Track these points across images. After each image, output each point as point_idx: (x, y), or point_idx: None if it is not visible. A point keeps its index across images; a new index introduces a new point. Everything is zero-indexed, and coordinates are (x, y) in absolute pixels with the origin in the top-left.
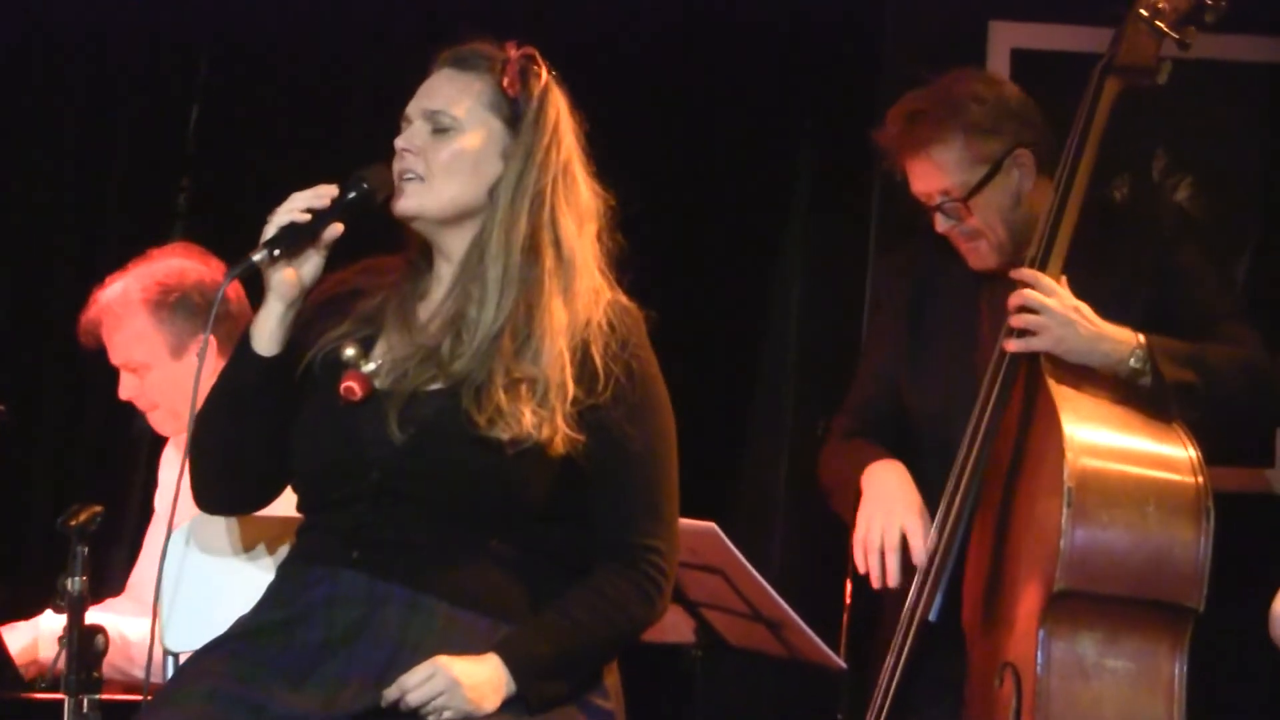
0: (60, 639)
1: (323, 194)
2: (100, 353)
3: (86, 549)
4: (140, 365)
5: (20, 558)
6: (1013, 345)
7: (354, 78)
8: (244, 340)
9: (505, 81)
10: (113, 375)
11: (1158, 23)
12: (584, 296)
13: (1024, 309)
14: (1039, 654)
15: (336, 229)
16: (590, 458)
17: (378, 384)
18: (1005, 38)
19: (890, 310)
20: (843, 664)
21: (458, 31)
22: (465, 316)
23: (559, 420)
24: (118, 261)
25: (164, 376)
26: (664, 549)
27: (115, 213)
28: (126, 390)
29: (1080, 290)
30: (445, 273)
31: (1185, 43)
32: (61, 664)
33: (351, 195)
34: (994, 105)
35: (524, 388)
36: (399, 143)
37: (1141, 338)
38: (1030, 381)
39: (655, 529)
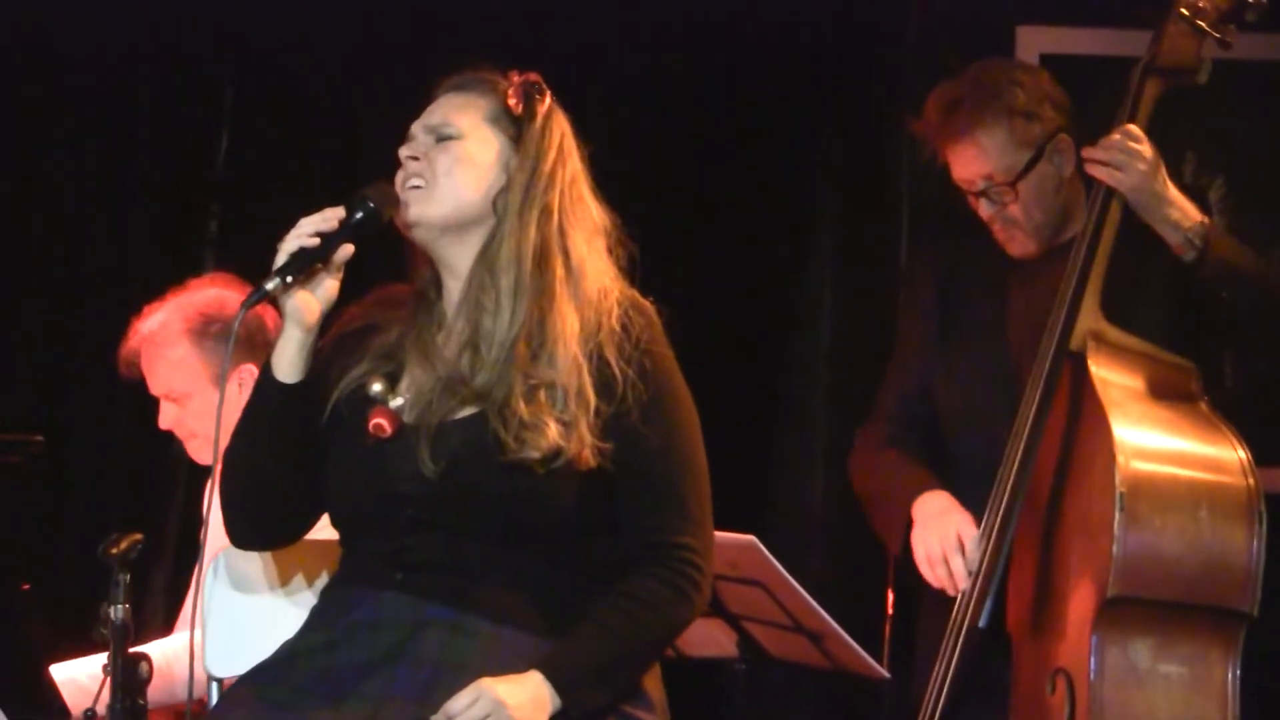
0: (104, 667)
1: (329, 216)
2: (133, 383)
3: (128, 577)
4: (182, 395)
5: (57, 588)
6: (1099, 172)
7: (380, 102)
8: (265, 369)
9: (510, 99)
10: (146, 404)
11: (1199, 22)
12: (595, 303)
13: (1118, 148)
14: (1092, 660)
15: (347, 250)
16: (615, 462)
17: (406, 418)
18: (1033, 42)
19: (918, 310)
20: (885, 674)
21: (485, 52)
22: (480, 329)
23: (584, 430)
24: (149, 290)
25: (205, 405)
26: (694, 544)
27: (145, 241)
28: (166, 420)
29: (1124, 279)
30: (454, 292)
31: (1226, 42)
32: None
33: (358, 215)
34: (1035, 89)
35: (543, 394)
36: (403, 152)
37: (1203, 219)
38: (1075, 382)
39: (682, 525)
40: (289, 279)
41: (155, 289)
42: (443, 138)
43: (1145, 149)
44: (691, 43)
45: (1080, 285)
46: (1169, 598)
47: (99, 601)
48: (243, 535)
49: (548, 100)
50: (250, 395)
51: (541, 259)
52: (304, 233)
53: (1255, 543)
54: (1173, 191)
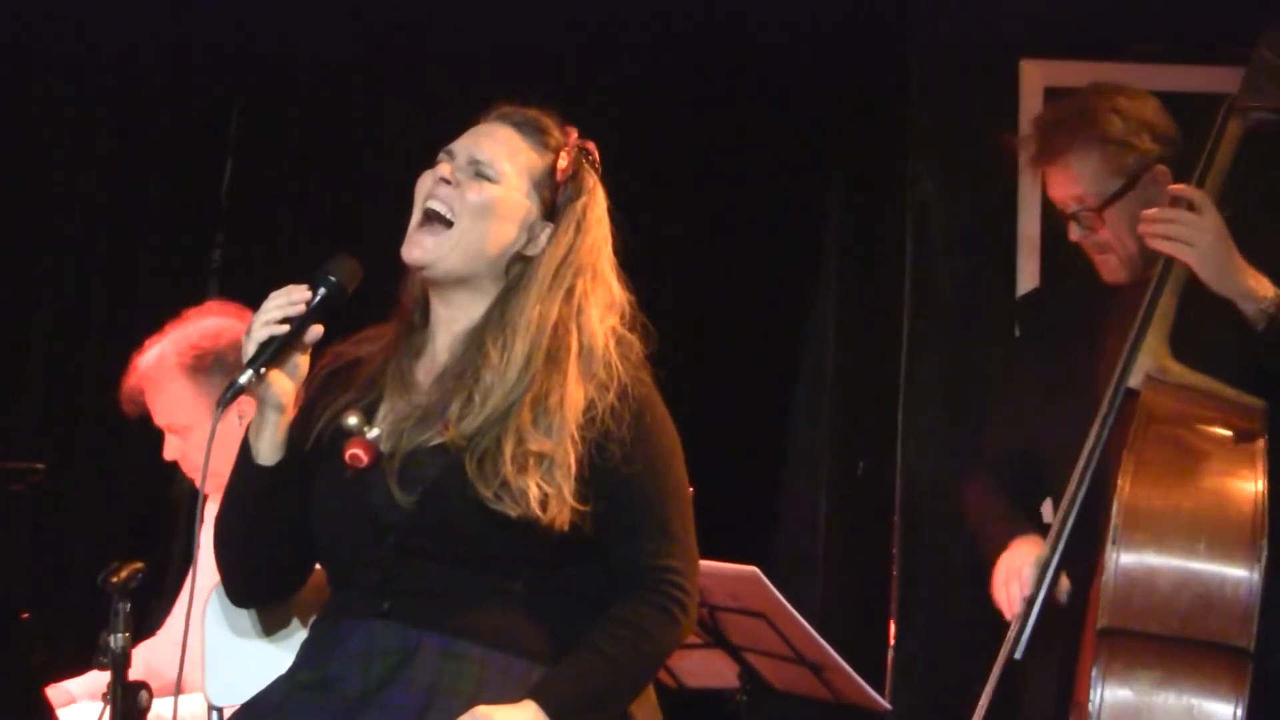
0: (104, 695)
1: (296, 299)
2: (137, 414)
3: (128, 605)
4: (183, 428)
5: (60, 616)
6: (1159, 245)
7: (386, 131)
8: (245, 452)
9: (561, 164)
10: (150, 433)
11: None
12: (601, 380)
13: (1179, 220)
14: (1092, 693)
15: (316, 331)
16: (598, 496)
17: (383, 447)
18: (1037, 75)
19: (1024, 356)
20: (887, 705)
21: (490, 85)
22: (480, 381)
23: (565, 496)
24: (153, 318)
25: (206, 438)
26: (679, 566)
27: (150, 270)
28: (171, 451)
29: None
30: (448, 329)
31: None
32: None
33: (323, 292)
34: (1133, 119)
35: (532, 462)
36: (441, 171)
37: (1277, 291)
38: (1132, 419)
39: (667, 548)
40: (262, 370)
41: (160, 318)
42: (481, 174)
43: (1208, 219)
44: (691, 86)
45: (1145, 323)
46: (1162, 631)
47: (101, 630)
48: (242, 599)
49: (595, 177)
50: (232, 476)
51: (558, 333)
52: (272, 319)
53: (1254, 578)
54: (1241, 261)
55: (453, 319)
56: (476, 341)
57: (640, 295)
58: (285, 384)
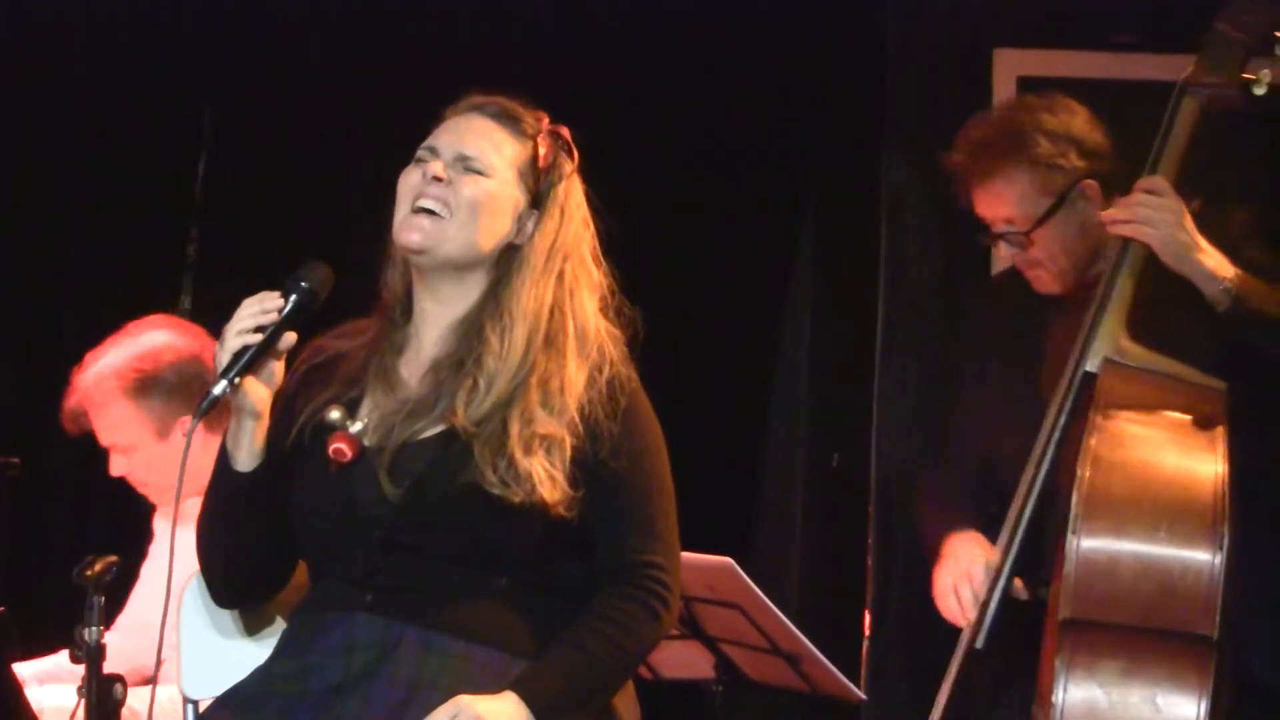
0: (79, 689)
1: (269, 307)
2: (80, 431)
3: (103, 599)
4: (127, 448)
5: (36, 609)
6: (1123, 229)
7: (361, 125)
8: (223, 458)
9: (541, 152)
10: None
11: (1241, 34)
12: (596, 363)
13: (1140, 204)
14: (1056, 685)
15: (290, 338)
16: (586, 488)
17: (367, 442)
18: (1011, 65)
19: (972, 352)
20: (862, 696)
21: (463, 81)
22: (484, 367)
23: (562, 483)
24: (127, 312)
25: (151, 456)
26: (662, 563)
27: (124, 264)
28: (117, 469)
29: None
30: (435, 322)
31: (1276, 54)
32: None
33: (295, 300)
34: (1060, 136)
35: (538, 444)
36: (432, 170)
37: (1236, 271)
38: (1089, 405)
39: (651, 544)
40: (237, 380)
41: (134, 311)
42: (471, 170)
43: (1168, 200)
44: (666, 75)
45: (1102, 306)
46: (1124, 621)
47: (76, 624)
48: (226, 602)
49: (572, 163)
50: (212, 482)
51: (554, 317)
52: (245, 328)
53: (1215, 565)
54: (1202, 240)
55: (441, 312)
56: (474, 330)
57: (615, 287)
58: (261, 391)
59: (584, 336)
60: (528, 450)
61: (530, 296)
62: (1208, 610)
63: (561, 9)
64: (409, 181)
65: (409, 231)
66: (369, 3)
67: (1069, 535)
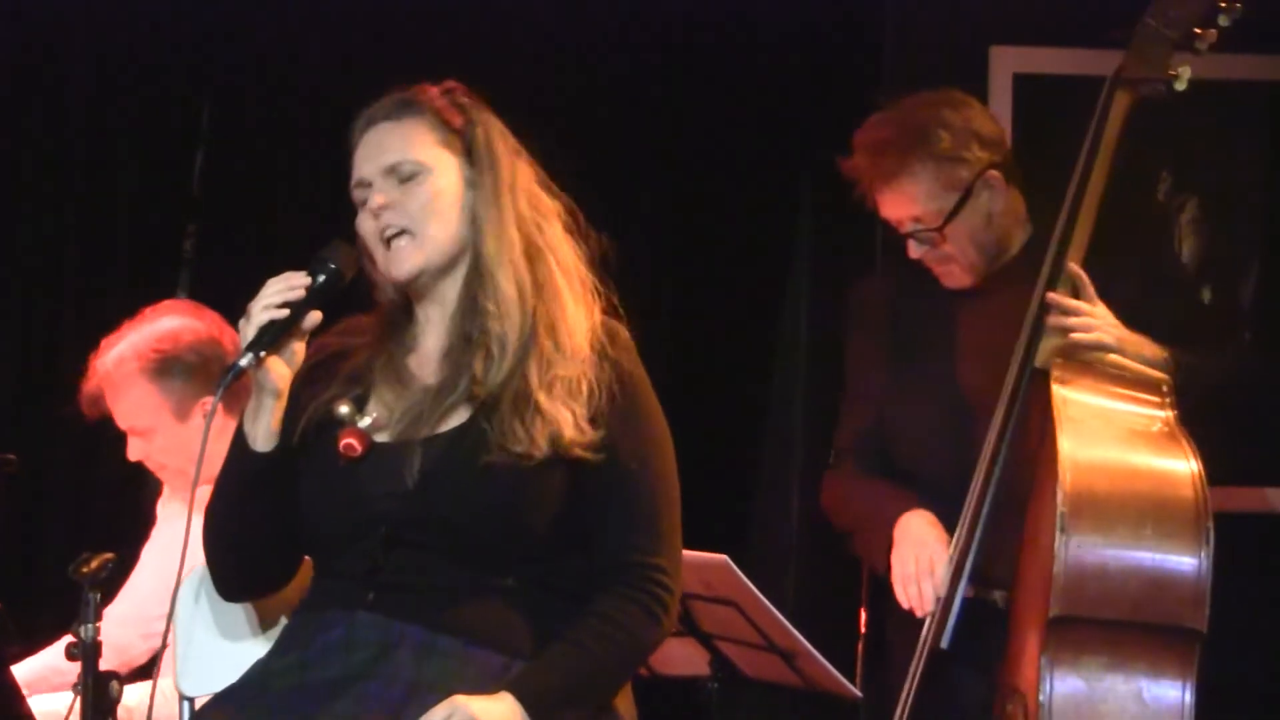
0: (74, 686)
1: (295, 284)
2: (98, 415)
3: (99, 596)
4: (146, 430)
5: (33, 606)
6: (1085, 338)
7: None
8: (240, 438)
9: (446, 115)
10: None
11: (1167, 29)
12: (586, 301)
13: (1077, 313)
14: (1041, 681)
15: (315, 317)
16: (591, 478)
17: (376, 438)
18: (1006, 62)
19: (868, 342)
20: (858, 693)
21: (465, 78)
22: (490, 333)
23: (581, 421)
24: (126, 308)
25: (170, 439)
26: (665, 565)
27: (122, 260)
28: (135, 452)
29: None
30: (439, 317)
31: (1199, 48)
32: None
33: (322, 279)
34: (961, 130)
35: (558, 385)
36: (373, 205)
37: (1167, 352)
38: (1042, 401)
39: (654, 545)
40: (262, 354)
41: (132, 308)
42: (406, 177)
43: (1099, 307)
44: (664, 69)
45: (1043, 304)
46: (1114, 617)
47: (72, 621)
48: (231, 592)
49: (477, 105)
50: (226, 463)
51: (531, 257)
52: (272, 304)
53: (1203, 558)
54: (1130, 333)
55: (441, 307)
56: (471, 306)
57: (611, 283)
58: (282, 370)
59: (569, 273)
60: (549, 391)
61: (498, 246)
62: (1198, 605)
63: (561, 9)
64: (365, 226)
65: (397, 264)
66: (368, 2)
67: (1058, 536)
